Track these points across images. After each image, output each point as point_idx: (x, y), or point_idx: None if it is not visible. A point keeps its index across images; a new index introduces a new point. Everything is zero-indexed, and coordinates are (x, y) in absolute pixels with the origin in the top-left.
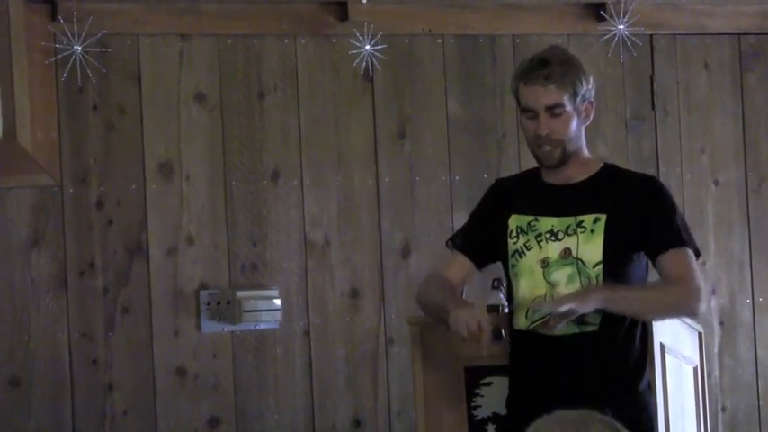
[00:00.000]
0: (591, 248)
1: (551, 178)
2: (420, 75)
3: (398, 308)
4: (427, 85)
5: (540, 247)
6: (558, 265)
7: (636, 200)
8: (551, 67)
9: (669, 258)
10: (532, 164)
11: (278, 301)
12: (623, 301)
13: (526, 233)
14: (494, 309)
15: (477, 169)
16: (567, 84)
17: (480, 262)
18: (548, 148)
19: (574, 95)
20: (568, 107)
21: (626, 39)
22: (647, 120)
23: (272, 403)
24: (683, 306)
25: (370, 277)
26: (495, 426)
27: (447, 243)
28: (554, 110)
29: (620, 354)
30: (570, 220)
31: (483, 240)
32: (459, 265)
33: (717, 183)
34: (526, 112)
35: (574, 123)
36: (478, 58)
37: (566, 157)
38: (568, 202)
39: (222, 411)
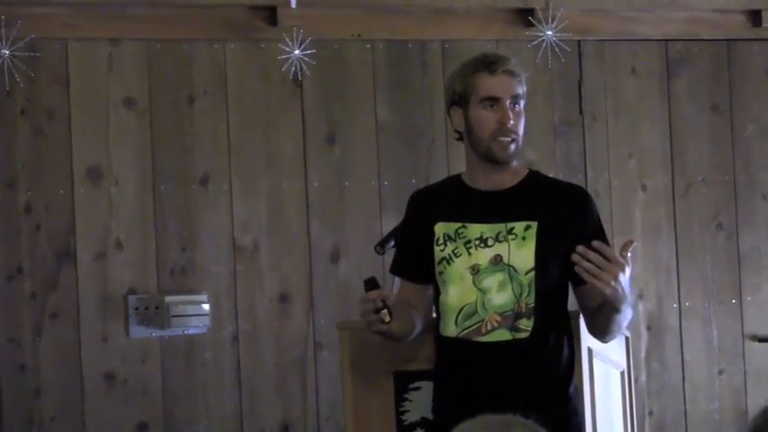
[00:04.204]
0: (523, 255)
1: (479, 184)
2: (349, 80)
3: (327, 313)
4: (356, 91)
5: (470, 254)
6: (488, 272)
7: (567, 210)
8: (512, 60)
9: None
10: (461, 170)
11: (207, 306)
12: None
13: (454, 240)
14: (371, 282)
15: (406, 174)
16: (523, 81)
17: (427, 279)
18: (510, 138)
19: (524, 95)
20: (522, 103)
21: (554, 44)
22: (575, 125)
23: (200, 409)
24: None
25: (300, 282)
26: (423, 430)
27: (375, 248)
28: (516, 101)
29: (550, 360)
30: (500, 227)
31: (418, 259)
32: (412, 293)
33: (644, 188)
34: (486, 101)
35: (524, 120)
36: (408, 63)
37: (515, 155)
38: (498, 208)
39: (151, 417)
